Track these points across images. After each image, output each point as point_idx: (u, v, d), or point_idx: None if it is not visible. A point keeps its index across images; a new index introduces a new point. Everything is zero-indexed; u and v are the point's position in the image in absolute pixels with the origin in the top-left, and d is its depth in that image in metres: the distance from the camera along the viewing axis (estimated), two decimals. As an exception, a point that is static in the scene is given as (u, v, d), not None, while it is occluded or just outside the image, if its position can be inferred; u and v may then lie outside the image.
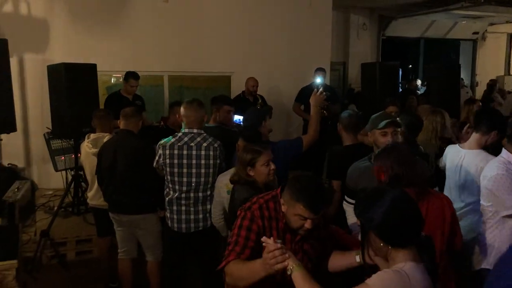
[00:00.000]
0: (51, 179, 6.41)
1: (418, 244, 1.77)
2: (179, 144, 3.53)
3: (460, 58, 13.66)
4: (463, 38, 13.34)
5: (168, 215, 3.67)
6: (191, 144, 3.52)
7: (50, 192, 6.33)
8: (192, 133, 3.57)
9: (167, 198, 3.64)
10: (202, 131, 3.60)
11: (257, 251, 2.07)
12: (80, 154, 4.77)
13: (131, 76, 5.97)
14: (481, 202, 2.83)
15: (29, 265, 4.59)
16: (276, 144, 3.62)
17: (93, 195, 4.38)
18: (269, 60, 7.60)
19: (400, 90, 10.01)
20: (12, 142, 6.21)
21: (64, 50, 6.34)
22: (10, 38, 5.39)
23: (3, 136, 5.32)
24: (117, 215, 3.98)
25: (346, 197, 3.24)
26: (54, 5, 6.50)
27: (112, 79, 7.11)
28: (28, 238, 4.95)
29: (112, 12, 6.79)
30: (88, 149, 4.34)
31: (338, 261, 2.37)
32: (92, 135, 4.43)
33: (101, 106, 5.66)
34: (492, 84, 10.26)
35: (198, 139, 3.54)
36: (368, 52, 11.18)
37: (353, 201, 3.10)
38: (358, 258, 2.21)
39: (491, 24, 12.98)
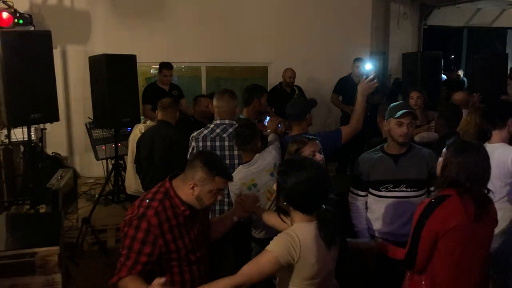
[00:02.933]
0: (92, 167, 6.60)
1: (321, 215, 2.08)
2: (211, 135, 3.52)
3: (507, 48, 13.07)
4: (511, 26, 12.76)
5: None
6: (223, 136, 3.50)
7: (92, 181, 6.52)
8: (224, 124, 3.54)
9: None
10: (234, 122, 3.55)
11: (153, 263, 2.10)
12: (130, 135, 4.89)
13: (164, 66, 6.02)
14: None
15: (71, 251, 4.73)
16: (314, 136, 3.55)
17: (130, 183, 4.47)
18: (307, 50, 7.51)
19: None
20: (56, 131, 6.42)
21: (105, 42, 6.48)
22: (54, 29, 5.52)
23: (47, 125, 5.50)
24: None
25: (352, 188, 3.12)
26: (96, -3, 6.65)
27: (151, 70, 7.21)
28: (70, 225, 5.09)
29: (152, 3, 6.88)
30: (138, 132, 4.42)
31: (219, 226, 2.58)
32: (149, 122, 4.50)
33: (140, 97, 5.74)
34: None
35: (230, 130, 3.50)
36: (409, 42, 10.86)
37: (362, 193, 3.05)
38: (235, 218, 2.58)
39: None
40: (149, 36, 6.76)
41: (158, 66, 6.07)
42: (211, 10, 7.09)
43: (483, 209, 2.23)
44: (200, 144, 3.53)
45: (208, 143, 3.51)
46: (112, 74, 5.12)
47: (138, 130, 4.48)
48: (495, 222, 2.36)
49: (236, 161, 3.48)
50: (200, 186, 2.16)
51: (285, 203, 2.10)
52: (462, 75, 11.51)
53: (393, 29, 10.68)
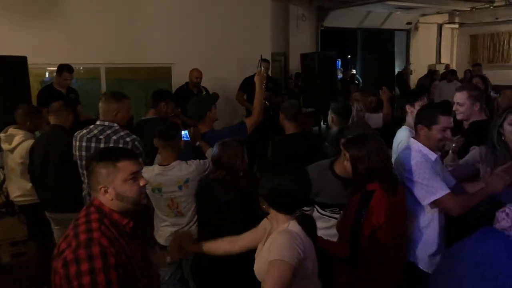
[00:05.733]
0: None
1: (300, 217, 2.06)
2: (88, 136, 3.40)
3: (395, 47, 14.20)
4: (397, 28, 13.88)
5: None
6: (100, 137, 3.36)
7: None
8: (104, 125, 3.40)
9: (83, 193, 3.52)
10: (115, 124, 3.41)
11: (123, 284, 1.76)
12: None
13: (64, 69, 5.70)
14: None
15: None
16: (220, 131, 3.61)
17: (13, 191, 4.19)
18: (211, 51, 7.53)
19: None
20: None
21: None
22: None
23: None
24: (53, 214, 3.83)
25: None
26: (-22, -7, 6.09)
27: (47, 73, 6.77)
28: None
29: (44, 2, 6.45)
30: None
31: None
32: (10, 130, 4.19)
33: (34, 101, 5.37)
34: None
35: (108, 131, 3.37)
36: (308, 42, 11.37)
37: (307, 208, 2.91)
38: (169, 259, 2.35)
39: (423, 15, 13.60)
40: (43, 37, 6.31)
41: (55, 68, 5.73)
42: (110, 9, 6.82)
43: (395, 196, 2.41)
44: (77, 143, 3.42)
45: (84, 143, 3.39)
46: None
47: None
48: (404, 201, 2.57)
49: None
50: (111, 184, 1.85)
51: (266, 205, 2.05)
52: (356, 74, 12.30)
53: (292, 30, 11.11)
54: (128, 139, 3.37)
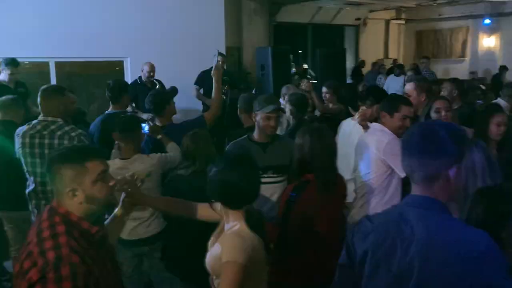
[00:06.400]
0: None
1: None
2: (31, 132, 3.32)
3: (345, 43, 14.55)
4: (347, 24, 14.22)
5: (30, 208, 3.46)
6: (44, 133, 3.31)
7: None
8: (46, 121, 3.34)
9: (27, 191, 3.43)
10: (59, 119, 3.35)
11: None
12: None
13: (10, 63, 5.50)
14: (369, 171, 3.05)
15: None
16: (179, 125, 3.62)
17: None
18: (165, 44, 7.43)
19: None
20: None
21: None
22: None
23: None
24: (5, 212, 3.72)
25: None
26: None
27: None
28: None
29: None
30: None
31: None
32: None
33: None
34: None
35: (52, 127, 3.32)
36: (261, 37, 11.46)
37: None
38: (127, 218, 2.29)
39: (371, 11, 14.01)
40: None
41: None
42: (59, 0, 6.60)
43: (329, 193, 2.49)
44: (20, 140, 3.33)
45: (27, 140, 3.31)
46: None
47: None
48: (343, 197, 2.67)
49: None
50: (80, 185, 1.72)
51: (215, 200, 2.04)
52: (308, 68, 12.52)
53: (245, 25, 11.16)
54: (73, 134, 3.31)
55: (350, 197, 3.16)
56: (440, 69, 12.80)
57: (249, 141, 3.18)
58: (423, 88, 3.95)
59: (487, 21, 13.22)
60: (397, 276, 1.47)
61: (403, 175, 2.84)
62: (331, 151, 2.62)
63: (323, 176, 2.52)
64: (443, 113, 3.52)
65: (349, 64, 14.09)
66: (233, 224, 1.99)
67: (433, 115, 3.55)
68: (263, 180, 3.03)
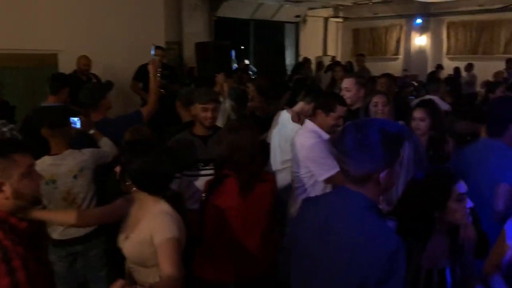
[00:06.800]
0: None
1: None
2: None
3: (286, 39, 14.76)
4: (287, 20, 14.43)
5: None
6: None
7: None
8: None
9: None
10: None
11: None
12: None
13: None
14: (297, 170, 3.14)
15: None
16: (115, 120, 3.54)
17: None
18: (102, 37, 7.19)
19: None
20: None
21: None
22: None
23: None
24: None
25: None
26: None
27: None
28: None
29: None
30: None
31: None
32: None
33: None
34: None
35: None
36: (202, 32, 11.36)
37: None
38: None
39: (310, 8, 14.29)
40: None
41: None
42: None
43: (249, 190, 2.52)
44: None
45: None
46: None
47: None
48: (270, 192, 2.69)
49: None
50: (8, 179, 1.66)
51: (130, 184, 2.05)
52: (249, 64, 12.59)
53: (186, 19, 11.03)
54: (4, 129, 3.21)
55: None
56: (376, 66, 13.22)
57: (190, 135, 3.20)
58: (362, 83, 4.13)
59: (419, 20, 13.91)
60: (315, 262, 1.56)
61: (321, 178, 2.96)
62: (252, 147, 2.59)
63: (239, 172, 2.54)
64: (380, 107, 3.67)
65: (290, 60, 14.33)
66: (154, 207, 2.04)
67: (371, 108, 3.69)
68: (204, 172, 3.08)
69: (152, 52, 3.94)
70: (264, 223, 2.62)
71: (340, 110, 3.10)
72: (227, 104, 4.34)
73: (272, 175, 2.98)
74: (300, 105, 3.64)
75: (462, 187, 1.94)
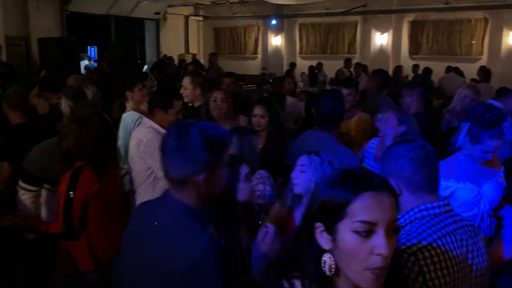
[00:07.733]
0: None
1: None
2: None
3: (146, 36, 14.53)
4: (146, 17, 14.19)
5: None
6: None
7: None
8: None
9: None
10: None
11: None
12: None
13: None
14: (135, 167, 3.15)
15: None
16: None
17: None
18: None
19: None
20: None
21: None
22: None
23: None
24: None
25: (24, 184, 3.04)
26: None
27: None
28: None
29: None
30: None
31: None
32: None
33: None
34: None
35: None
36: (52, 27, 10.64)
37: (35, 188, 2.97)
38: None
39: (170, 5, 14.22)
40: None
41: None
42: None
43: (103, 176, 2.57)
44: None
45: None
46: None
47: None
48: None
49: None
50: None
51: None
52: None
53: (33, 12, 10.22)
54: None
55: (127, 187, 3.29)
56: (236, 65, 13.68)
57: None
58: (199, 83, 4.28)
59: (274, 21, 14.71)
60: (132, 279, 1.55)
61: (160, 174, 3.02)
62: (96, 139, 2.65)
63: (89, 162, 2.56)
64: (219, 102, 3.83)
65: (151, 58, 14.16)
66: None
67: (211, 104, 3.82)
68: None
69: None
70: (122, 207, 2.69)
71: (177, 105, 3.18)
72: (63, 104, 4.19)
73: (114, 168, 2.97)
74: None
75: (245, 169, 2.10)
